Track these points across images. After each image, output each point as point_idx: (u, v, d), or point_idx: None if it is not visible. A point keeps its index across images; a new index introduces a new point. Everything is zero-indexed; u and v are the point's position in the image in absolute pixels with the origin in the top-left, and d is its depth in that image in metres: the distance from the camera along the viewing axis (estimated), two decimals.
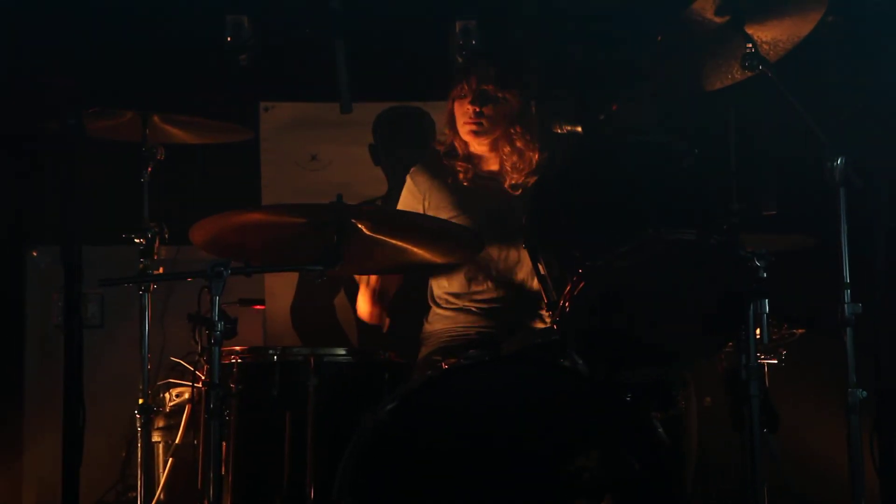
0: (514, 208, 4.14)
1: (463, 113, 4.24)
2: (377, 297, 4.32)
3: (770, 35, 3.67)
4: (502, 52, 4.82)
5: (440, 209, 4.29)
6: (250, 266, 3.79)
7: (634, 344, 3.47)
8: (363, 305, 4.34)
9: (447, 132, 4.34)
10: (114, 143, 4.50)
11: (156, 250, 4.38)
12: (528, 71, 4.51)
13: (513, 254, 4.22)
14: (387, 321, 4.36)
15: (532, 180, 4.21)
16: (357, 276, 4.39)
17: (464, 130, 4.26)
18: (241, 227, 3.70)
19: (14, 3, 4.98)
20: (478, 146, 4.29)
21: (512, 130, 4.24)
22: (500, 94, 4.23)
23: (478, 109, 4.21)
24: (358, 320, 4.88)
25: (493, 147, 4.29)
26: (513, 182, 4.26)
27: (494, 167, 4.32)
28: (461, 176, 4.29)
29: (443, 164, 4.35)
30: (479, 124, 4.22)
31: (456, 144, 4.32)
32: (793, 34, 3.67)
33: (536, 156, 4.25)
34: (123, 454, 4.80)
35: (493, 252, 4.20)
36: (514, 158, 4.25)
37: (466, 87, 4.24)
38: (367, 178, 5.23)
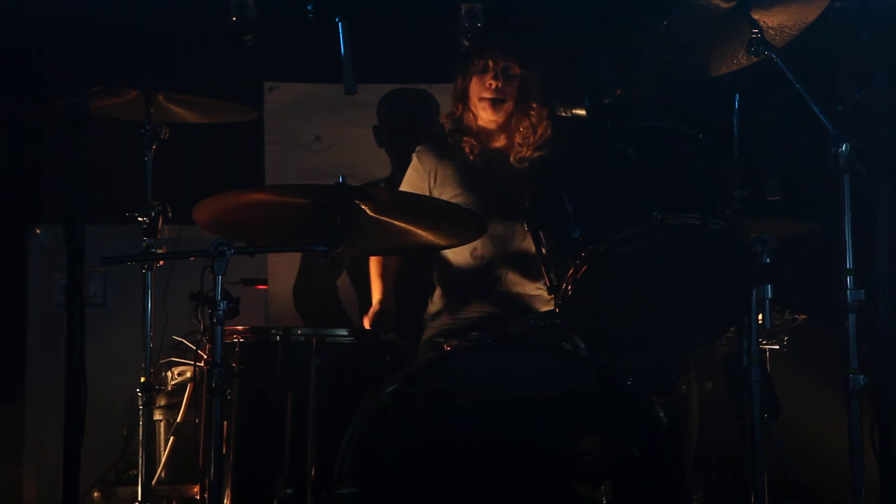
0: (519, 184, 4.14)
1: (484, 87, 4.27)
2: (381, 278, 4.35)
3: (776, 20, 3.66)
4: (514, 32, 4.82)
5: (446, 187, 4.31)
6: (253, 246, 3.79)
7: (636, 328, 3.47)
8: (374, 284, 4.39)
9: (458, 107, 4.34)
10: (118, 121, 4.49)
11: (159, 229, 4.39)
12: (535, 53, 4.52)
13: (518, 229, 4.21)
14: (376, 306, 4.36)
15: (537, 154, 4.26)
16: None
17: (483, 104, 4.28)
18: (244, 207, 3.70)
19: None
20: (489, 121, 4.31)
21: (530, 105, 4.30)
22: (520, 71, 4.28)
23: (500, 85, 4.25)
24: (360, 301, 4.90)
25: (505, 122, 4.31)
26: (520, 156, 4.29)
27: (501, 143, 4.33)
28: (467, 150, 4.32)
29: (448, 143, 4.36)
30: (501, 98, 4.26)
31: (465, 119, 4.33)
32: (799, 20, 3.66)
33: (549, 131, 4.31)
34: (125, 432, 4.80)
35: (499, 228, 4.19)
36: (528, 133, 4.29)
37: (491, 63, 4.28)
38: (370, 159, 5.23)
